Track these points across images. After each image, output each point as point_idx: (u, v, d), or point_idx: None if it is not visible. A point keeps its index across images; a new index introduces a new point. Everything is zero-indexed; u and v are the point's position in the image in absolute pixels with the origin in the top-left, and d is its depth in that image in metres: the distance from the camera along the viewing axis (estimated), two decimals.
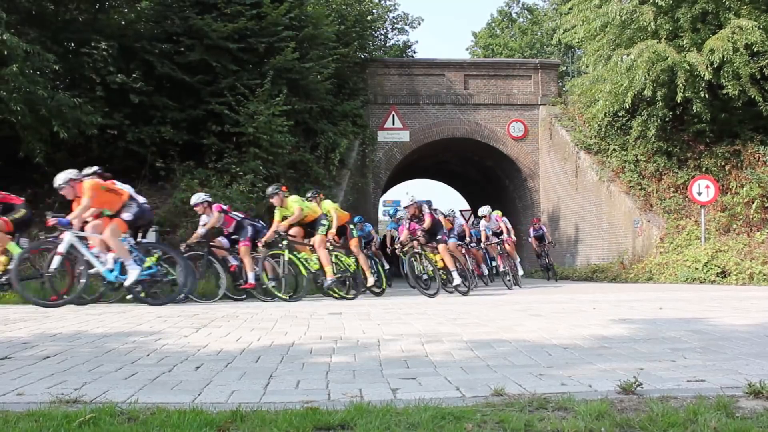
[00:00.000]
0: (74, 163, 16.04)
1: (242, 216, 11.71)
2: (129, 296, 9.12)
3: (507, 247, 16.28)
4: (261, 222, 12.03)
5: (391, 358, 4.02)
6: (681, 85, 17.33)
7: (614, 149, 20.89)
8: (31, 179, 15.04)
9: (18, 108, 12.79)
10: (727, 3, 17.31)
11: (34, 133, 13.85)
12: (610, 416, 2.56)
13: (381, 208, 32.69)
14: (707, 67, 16.82)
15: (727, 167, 19.16)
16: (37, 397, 2.97)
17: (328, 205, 11.61)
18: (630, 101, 18.73)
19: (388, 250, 16.02)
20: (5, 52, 12.57)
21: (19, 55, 12.66)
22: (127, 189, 9.48)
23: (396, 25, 31.09)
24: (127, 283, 8.85)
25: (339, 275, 11.12)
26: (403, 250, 12.11)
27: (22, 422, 2.52)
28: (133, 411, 2.69)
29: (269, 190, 11.39)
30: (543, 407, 2.74)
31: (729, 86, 17.24)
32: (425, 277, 12.50)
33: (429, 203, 13.22)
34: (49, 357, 4.10)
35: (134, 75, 15.72)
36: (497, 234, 16.60)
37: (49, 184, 14.81)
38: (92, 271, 8.87)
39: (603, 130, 21.24)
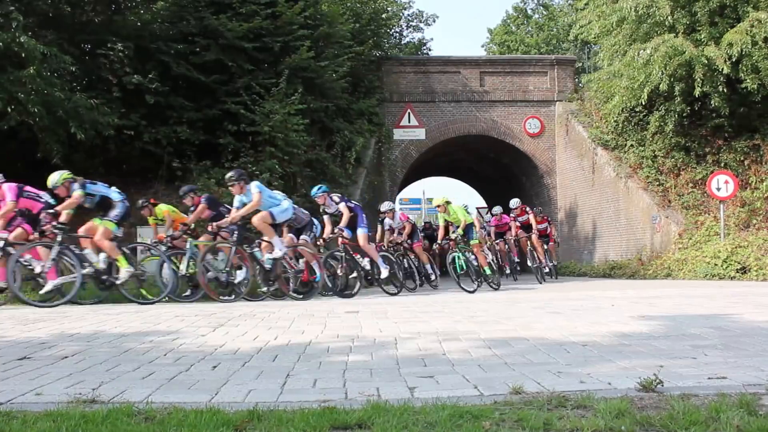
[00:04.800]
0: (91, 164, 16.24)
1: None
2: None
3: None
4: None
5: (409, 357, 4.01)
6: (699, 79, 17.16)
7: (631, 145, 20.73)
8: None
9: (36, 110, 12.89)
10: None
11: (51, 135, 13.95)
12: (630, 414, 2.53)
13: (398, 206, 32.66)
14: (725, 61, 16.64)
15: (746, 162, 18.95)
16: (55, 397, 2.98)
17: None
18: (647, 96, 18.57)
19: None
20: (23, 55, 12.66)
21: (37, 57, 12.75)
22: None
23: (411, 23, 31.02)
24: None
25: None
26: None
27: (40, 422, 2.53)
28: (150, 411, 2.69)
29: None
30: (562, 405, 2.71)
31: (748, 80, 17.05)
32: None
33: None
34: (68, 357, 4.12)
35: (150, 75, 15.78)
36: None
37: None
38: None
39: (620, 125, 21.07)
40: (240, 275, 10.32)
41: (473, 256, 13.26)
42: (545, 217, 19.34)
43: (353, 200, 14.89)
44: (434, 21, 34.60)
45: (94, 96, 14.72)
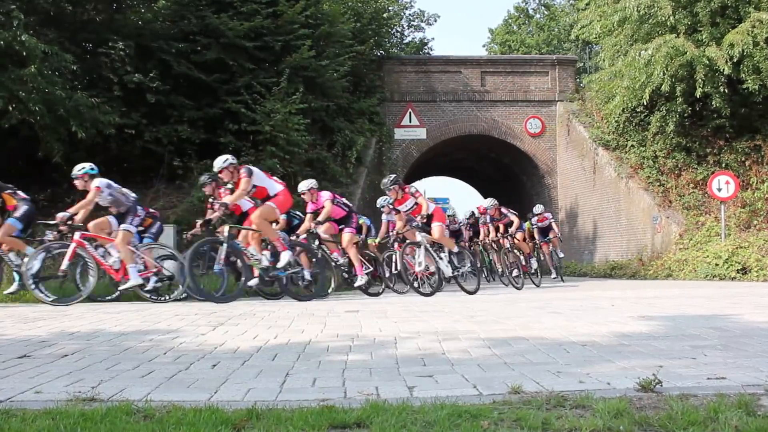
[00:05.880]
0: (92, 162, 16.23)
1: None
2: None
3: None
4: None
5: (408, 356, 4.01)
6: (700, 80, 17.17)
7: (632, 145, 20.75)
8: (50, 179, 15.17)
9: (37, 108, 12.90)
10: None
11: (52, 133, 13.97)
12: (628, 414, 2.53)
13: None
14: (726, 62, 16.65)
15: (747, 163, 18.98)
16: (54, 395, 2.98)
17: None
18: (648, 97, 18.59)
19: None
20: (24, 53, 12.68)
21: (38, 55, 12.77)
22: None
23: (412, 23, 31.07)
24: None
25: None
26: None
27: (39, 420, 2.53)
28: (149, 409, 2.69)
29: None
30: (561, 405, 2.71)
31: (749, 81, 17.07)
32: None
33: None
34: (67, 355, 4.11)
35: (151, 74, 15.80)
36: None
37: (67, 183, 15.05)
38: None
39: (621, 126, 21.09)
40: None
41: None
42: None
43: (354, 199, 14.88)
44: (435, 21, 34.67)
45: (95, 95, 14.74)
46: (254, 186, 9.63)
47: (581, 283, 16.07)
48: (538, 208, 17.66)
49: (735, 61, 16.78)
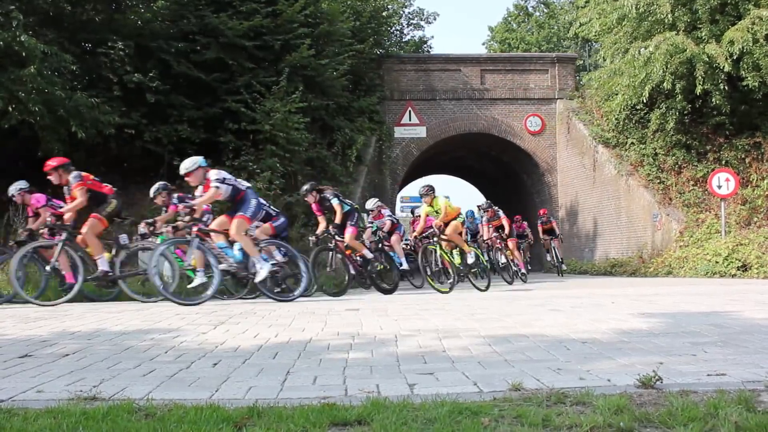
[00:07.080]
0: (92, 162, 16.23)
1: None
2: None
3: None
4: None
5: (409, 354, 4.01)
6: (700, 77, 17.17)
7: (632, 143, 20.74)
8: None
9: (36, 108, 12.89)
10: None
11: (52, 134, 13.96)
12: (629, 411, 2.53)
13: (399, 205, 32.75)
14: (726, 59, 16.65)
15: (747, 160, 18.97)
16: (55, 394, 2.99)
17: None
18: (648, 94, 18.59)
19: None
20: (23, 54, 12.67)
21: (37, 56, 12.76)
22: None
23: (411, 21, 31.04)
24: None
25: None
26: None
27: (40, 419, 2.53)
28: (150, 407, 2.69)
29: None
30: (561, 402, 2.72)
31: (749, 78, 17.06)
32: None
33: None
34: (68, 355, 4.12)
35: (151, 74, 15.80)
36: None
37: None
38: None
39: (621, 123, 21.08)
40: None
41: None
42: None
43: (354, 198, 14.91)
44: (435, 19, 34.74)
45: (95, 95, 14.73)
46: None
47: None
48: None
49: (735, 58, 16.77)
